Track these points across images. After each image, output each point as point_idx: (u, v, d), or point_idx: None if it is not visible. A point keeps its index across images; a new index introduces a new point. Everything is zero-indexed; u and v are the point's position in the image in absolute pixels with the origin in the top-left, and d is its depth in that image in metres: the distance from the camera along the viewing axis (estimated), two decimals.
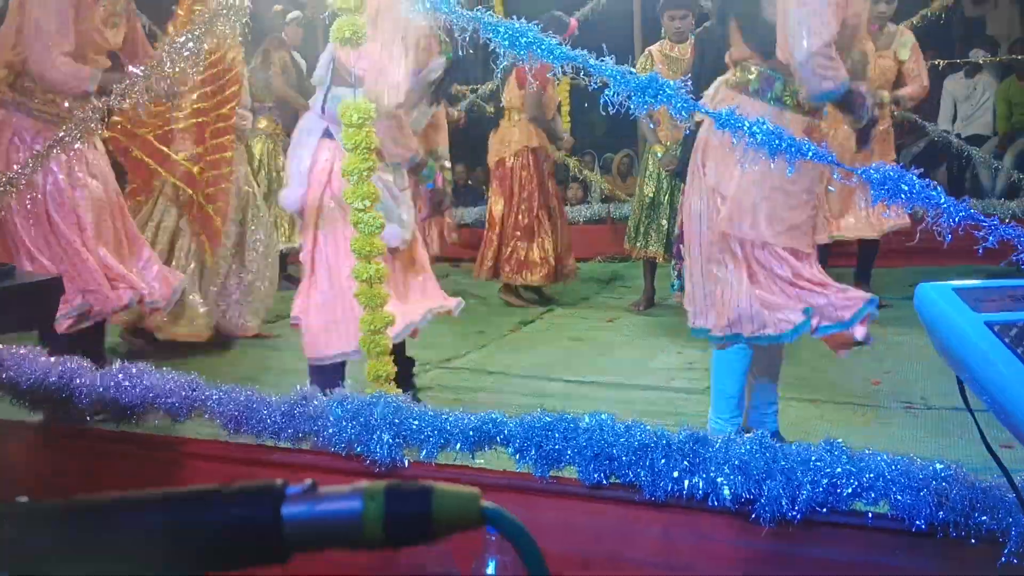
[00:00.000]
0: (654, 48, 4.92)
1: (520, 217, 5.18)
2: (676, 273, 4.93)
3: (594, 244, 6.49)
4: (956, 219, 1.41)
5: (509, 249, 5.18)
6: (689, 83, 1.77)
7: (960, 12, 7.73)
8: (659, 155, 4.80)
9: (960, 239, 1.40)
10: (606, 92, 1.68)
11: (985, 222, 1.42)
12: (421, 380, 3.70)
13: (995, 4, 8.22)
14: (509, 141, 5.18)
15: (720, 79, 2.48)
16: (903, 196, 1.44)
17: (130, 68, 2.72)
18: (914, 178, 1.48)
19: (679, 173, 4.40)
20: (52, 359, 2.27)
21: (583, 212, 6.91)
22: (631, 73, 1.70)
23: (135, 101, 2.35)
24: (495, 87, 6.47)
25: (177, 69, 2.48)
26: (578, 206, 7.07)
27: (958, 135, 6.83)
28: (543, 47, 1.68)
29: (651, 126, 4.86)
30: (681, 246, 4.06)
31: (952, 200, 1.44)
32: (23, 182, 2.45)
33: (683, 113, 1.69)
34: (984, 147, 6.73)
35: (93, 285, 3.03)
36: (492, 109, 7.03)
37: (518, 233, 5.17)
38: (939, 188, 1.47)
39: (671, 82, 1.70)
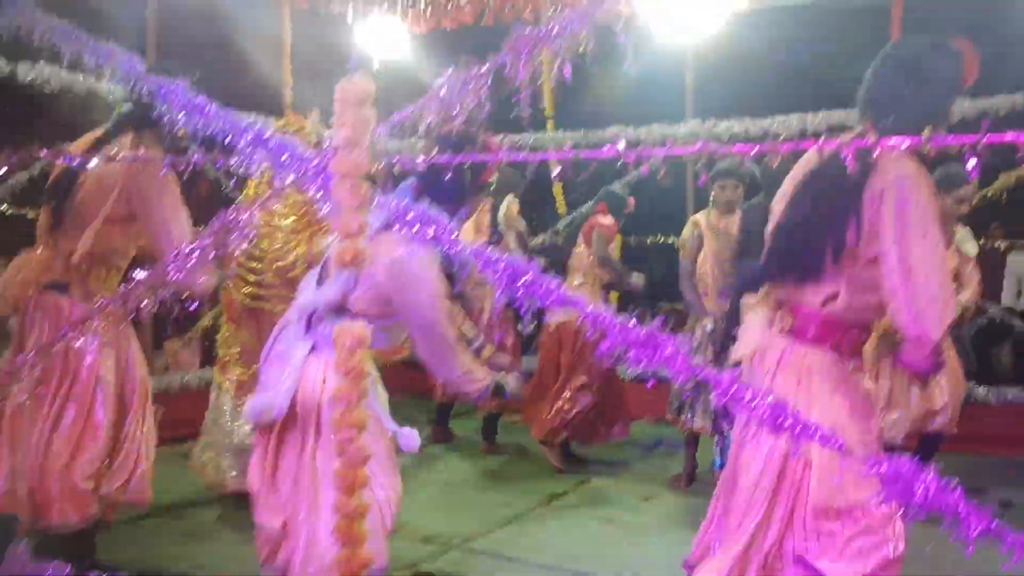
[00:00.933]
0: (700, 217, 4.91)
1: (575, 374, 5.12)
2: (719, 449, 4.75)
3: (641, 404, 6.33)
4: (974, 532, 1.28)
5: (561, 405, 5.10)
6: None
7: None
8: (708, 328, 4.70)
9: None
10: None
11: (1009, 536, 1.28)
12: (439, 564, 3.57)
13: None
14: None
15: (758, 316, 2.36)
16: (916, 499, 1.32)
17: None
18: (932, 475, 1.36)
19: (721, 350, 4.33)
20: None
21: (629, 369, 6.78)
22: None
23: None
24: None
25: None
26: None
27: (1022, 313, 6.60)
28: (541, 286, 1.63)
29: (695, 296, 4.80)
30: (725, 423, 3.93)
31: (972, 509, 1.31)
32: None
33: None
34: None
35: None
36: None
37: (572, 391, 5.11)
38: (959, 489, 1.34)
39: None
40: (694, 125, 6.40)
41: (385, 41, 6.87)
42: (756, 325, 2.29)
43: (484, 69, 1.78)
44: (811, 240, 2.13)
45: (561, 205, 7.48)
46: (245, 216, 1.94)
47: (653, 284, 5.52)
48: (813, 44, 7.45)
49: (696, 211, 5.23)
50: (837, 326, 2.15)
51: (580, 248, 5.25)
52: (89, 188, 2.99)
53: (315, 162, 1.80)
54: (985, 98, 5.49)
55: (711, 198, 4.89)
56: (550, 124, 7.29)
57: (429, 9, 6.39)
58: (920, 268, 1.96)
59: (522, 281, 1.62)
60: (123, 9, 5.76)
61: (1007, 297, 6.87)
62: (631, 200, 5.27)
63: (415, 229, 1.72)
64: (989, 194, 5.64)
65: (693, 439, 4.89)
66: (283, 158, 1.82)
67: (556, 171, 7.34)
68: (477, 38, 6.72)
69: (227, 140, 1.89)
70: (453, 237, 1.74)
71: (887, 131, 1.97)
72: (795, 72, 7.74)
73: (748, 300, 2.38)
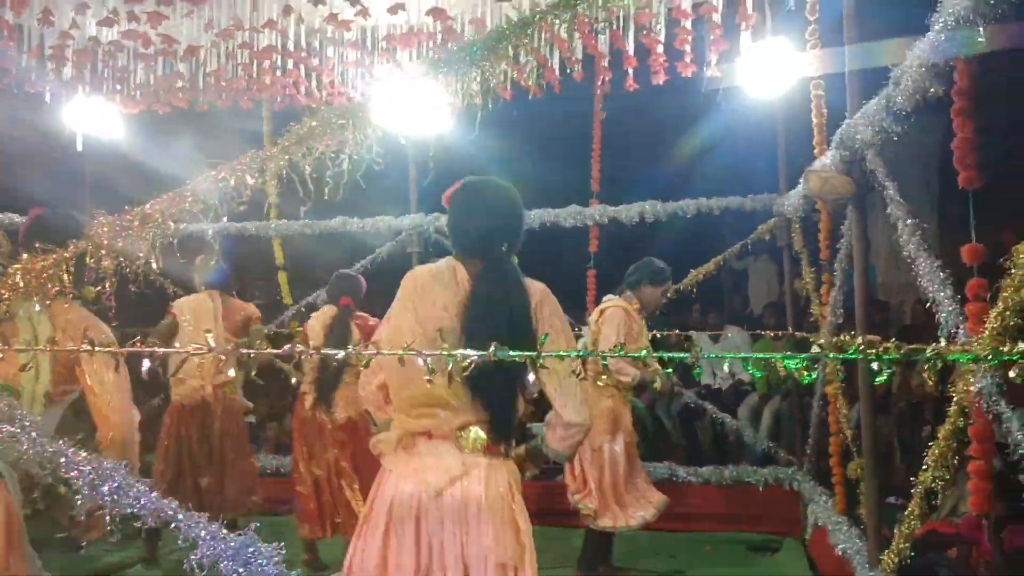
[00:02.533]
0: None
1: None
2: None
3: None
4: None
5: None
6: None
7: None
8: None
9: None
10: None
11: None
12: None
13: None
14: None
15: None
16: None
17: None
18: None
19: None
20: None
21: None
22: None
23: None
24: None
25: None
26: None
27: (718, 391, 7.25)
28: None
29: None
30: None
31: None
32: None
33: None
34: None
35: None
36: None
37: None
38: None
39: None
40: (418, 218, 6.53)
41: (91, 120, 6.42)
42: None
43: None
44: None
45: (287, 295, 7.28)
46: None
47: None
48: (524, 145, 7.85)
49: None
50: None
51: None
52: None
53: None
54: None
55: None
56: (274, 212, 7.10)
57: (138, 92, 6.03)
58: None
59: None
60: None
61: (705, 377, 7.51)
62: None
63: None
64: (682, 288, 6.15)
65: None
66: None
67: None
68: (191, 119, 6.47)
69: None
70: None
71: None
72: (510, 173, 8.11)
73: None
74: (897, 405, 6.37)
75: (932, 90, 2.63)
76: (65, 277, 1.54)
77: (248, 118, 6.93)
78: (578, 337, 6.29)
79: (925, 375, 1.60)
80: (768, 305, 7.98)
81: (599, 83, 5.19)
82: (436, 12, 4.54)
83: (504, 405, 2.17)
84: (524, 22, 2.23)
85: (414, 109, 5.74)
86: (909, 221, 3.02)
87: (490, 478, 2.11)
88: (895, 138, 3.20)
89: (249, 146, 7.24)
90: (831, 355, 1.60)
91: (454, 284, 2.26)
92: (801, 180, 4.80)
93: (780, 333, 6.19)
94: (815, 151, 4.86)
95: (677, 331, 6.82)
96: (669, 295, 5.27)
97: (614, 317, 4.47)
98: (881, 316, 6.98)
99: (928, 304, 2.78)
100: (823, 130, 4.84)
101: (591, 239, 6.34)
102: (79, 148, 6.58)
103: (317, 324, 5.05)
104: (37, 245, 2.24)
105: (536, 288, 2.32)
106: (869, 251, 3.93)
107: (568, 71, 5.06)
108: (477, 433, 2.14)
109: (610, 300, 4.66)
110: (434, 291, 2.25)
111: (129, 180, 8.82)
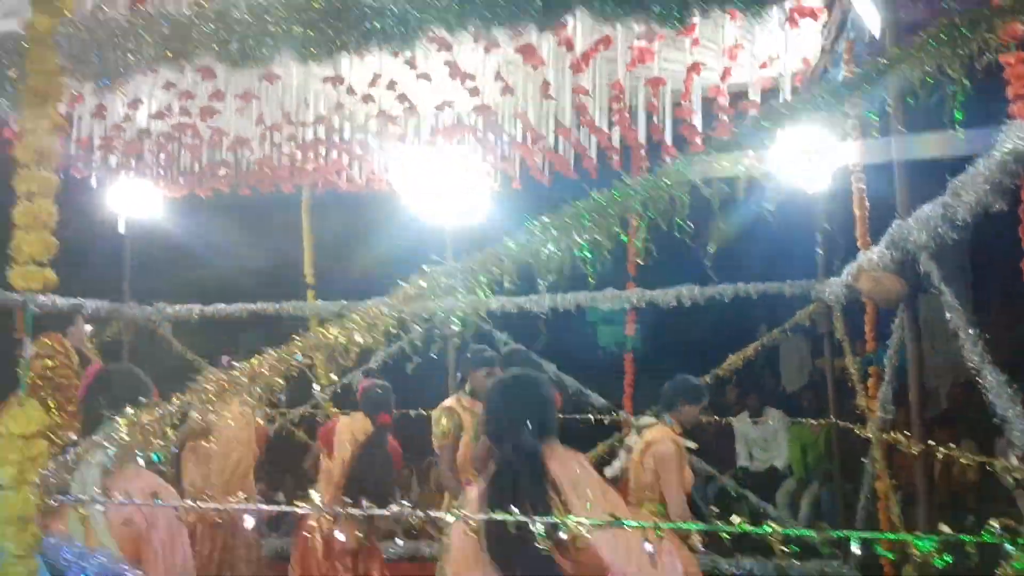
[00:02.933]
0: (453, 403, 4.89)
1: None
2: None
3: None
4: None
5: None
6: None
7: None
8: None
9: None
10: None
11: None
12: None
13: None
14: None
15: None
16: None
17: None
18: None
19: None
20: None
21: None
22: None
23: None
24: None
25: None
26: None
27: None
28: None
29: (455, 479, 4.72)
30: None
31: None
32: None
33: None
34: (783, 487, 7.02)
35: None
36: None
37: None
38: None
39: None
40: (451, 303, 6.51)
41: (134, 203, 6.54)
42: None
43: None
44: None
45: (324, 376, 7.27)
46: None
47: None
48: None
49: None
50: None
51: None
52: None
53: None
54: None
55: (468, 386, 4.90)
56: (311, 294, 7.15)
57: (182, 178, 6.15)
58: None
59: None
60: None
61: (741, 459, 7.41)
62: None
63: None
64: (720, 374, 6.11)
65: None
66: None
67: None
68: (235, 201, 6.58)
69: None
70: None
71: None
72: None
73: None
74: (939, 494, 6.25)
75: (997, 206, 2.63)
76: (169, 431, 1.52)
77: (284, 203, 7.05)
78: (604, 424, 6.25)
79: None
80: (806, 387, 7.90)
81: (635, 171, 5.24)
82: (481, 109, 4.62)
83: None
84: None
85: (454, 196, 5.86)
86: (971, 331, 2.99)
87: None
88: (950, 243, 3.20)
89: (288, 229, 7.38)
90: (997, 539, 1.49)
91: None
92: (847, 274, 4.78)
93: (822, 421, 6.11)
94: (858, 243, 4.86)
95: (715, 417, 6.74)
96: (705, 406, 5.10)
97: (671, 459, 4.08)
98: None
99: (996, 420, 2.74)
100: (865, 223, 4.85)
101: (628, 323, 6.32)
102: (121, 230, 6.72)
103: (347, 434, 4.74)
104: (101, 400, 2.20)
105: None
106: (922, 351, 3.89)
107: (609, 158, 5.15)
108: None
109: (650, 426, 4.34)
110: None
111: (168, 259, 8.98)
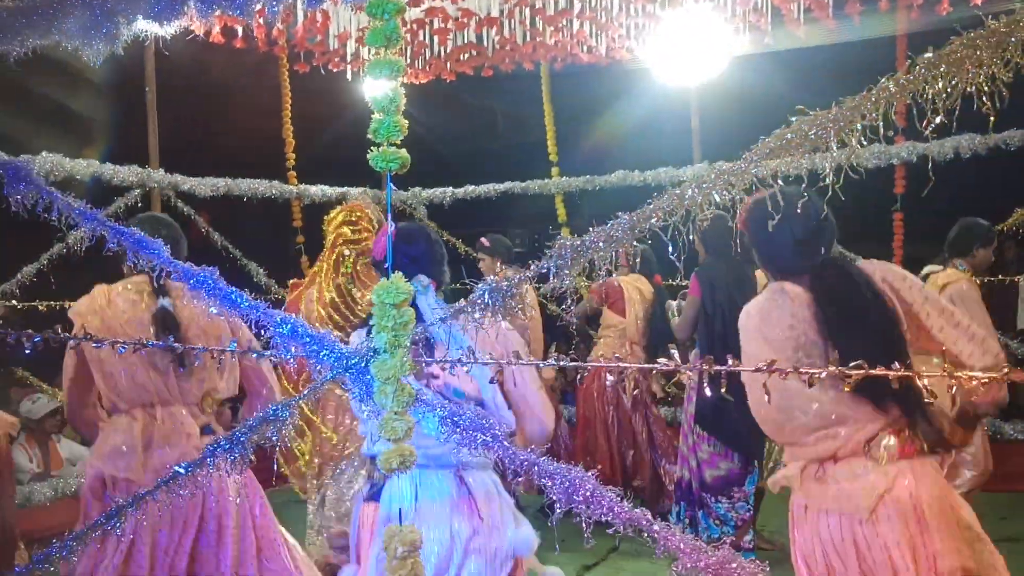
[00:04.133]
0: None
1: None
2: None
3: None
4: None
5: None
6: None
7: None
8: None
9: None
10: None
11: None
12: None
13: None
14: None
15: None
16: None
17: None
18: None
19: None
20: None
21: None
22: None
23: None
24: None
25: None
26: None
27: None
28: None
29: None
30: None
31: None
32: None
33: None
34: None
35: None
36: None
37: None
38: None
39: None
40: (701, 168, 6.34)
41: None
42: None
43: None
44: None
45: None
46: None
47: None
48: (812, 86, 7.39)
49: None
50: None
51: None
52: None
53: (354, 361, 1.74)
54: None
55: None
56: (555, 171, 7.23)
57: (430, 65, 6.33)
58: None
59: None
60: (121, 73, 5.74)
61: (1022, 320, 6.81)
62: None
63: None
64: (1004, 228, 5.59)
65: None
66: (321, 354, 1.77)
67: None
68: (471, 86, 6.71)
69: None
70: None
71: None
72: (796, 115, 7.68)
73: None
74: None
75: None
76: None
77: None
78: None
79: None
80: None
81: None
82: None
83: (907, 398, 2.01)
84: None
85: (700, 57, 5.60)
86: None
87: (920, 481, 1.98)
88: None
89: (531, 107, 7.44)
90: None
91: (788, 300, 2.15)
92: None
93: None
94: None
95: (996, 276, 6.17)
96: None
97: (972, 295, 3.89)
98: None
99: None
100: None
101: (896, 180, 5.88)
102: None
103: (635, 293, 5.23)
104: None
105: (875, 268, 2.17)
106: None
107: None
108: (888, 440, 2.01)
109: (936, 272, 4.14)
110: (773, 315, 2.15)
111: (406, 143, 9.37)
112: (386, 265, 1.71)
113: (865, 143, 1.49)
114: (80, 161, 5.17)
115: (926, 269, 4.22)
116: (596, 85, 7.11)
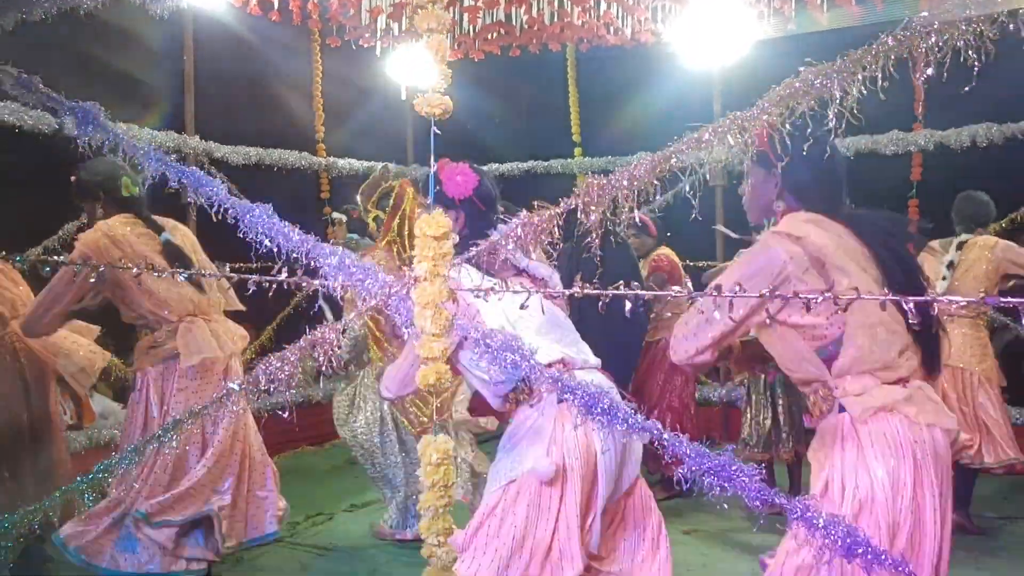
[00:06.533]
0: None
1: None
2: None
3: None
4: None
5: None
6: None
7: None
8: None
9: None
10: None
11: None
12: None
13: None
14: None
15: None
16: None
17: None
18: None
19: None
20: None
21: None
22: None
23: None
24: None
25: None
26: None
27: None
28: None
29: None
30: None
31: None
32: None
33: None
34: None
35: None
36: None
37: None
38: None
39: None
40: (720, 152, 6.43)
41: (411, 70, 6.99)
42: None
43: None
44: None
45: None
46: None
47: None
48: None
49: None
50: None
51: None
52: None
53: (397, 289, 1.90)
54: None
55: None
56: (578, 151, 7.37)
57: (459, 43, 6.46)
58: None
59: None
60: (160, 45, 5.93)
61: None
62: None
63: None
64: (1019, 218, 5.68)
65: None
66: (366, 283, 1.93)
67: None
68: (500, 65, 6.83)
69: (311, 263, 2.00)
70: None
71: None
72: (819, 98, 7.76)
73: None
74: None
75: None
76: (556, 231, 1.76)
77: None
78: None
79: None
80: None
81: None
82: None
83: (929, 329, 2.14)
84: None
85: (718, 42, 5.71)
86: None
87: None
88: None
89: (555, 90, 7.56)
90: None
91: (837, 236, 2.18)
92: None
93: None
94: None
95: None
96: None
97: (1010, 247, 4.37)
98: None
99: None
100: None
101: (914, 167, 5.98)
102: (403, 98, 7.24)
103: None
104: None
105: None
106: None
107: None
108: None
109: (975, 238, 4.47)
110: (843, 245, 2.17)
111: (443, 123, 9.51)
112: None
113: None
114: (120, 125, 5.36)
115: (963, 236, 4.50)
116: (620, 68, 7.20)
